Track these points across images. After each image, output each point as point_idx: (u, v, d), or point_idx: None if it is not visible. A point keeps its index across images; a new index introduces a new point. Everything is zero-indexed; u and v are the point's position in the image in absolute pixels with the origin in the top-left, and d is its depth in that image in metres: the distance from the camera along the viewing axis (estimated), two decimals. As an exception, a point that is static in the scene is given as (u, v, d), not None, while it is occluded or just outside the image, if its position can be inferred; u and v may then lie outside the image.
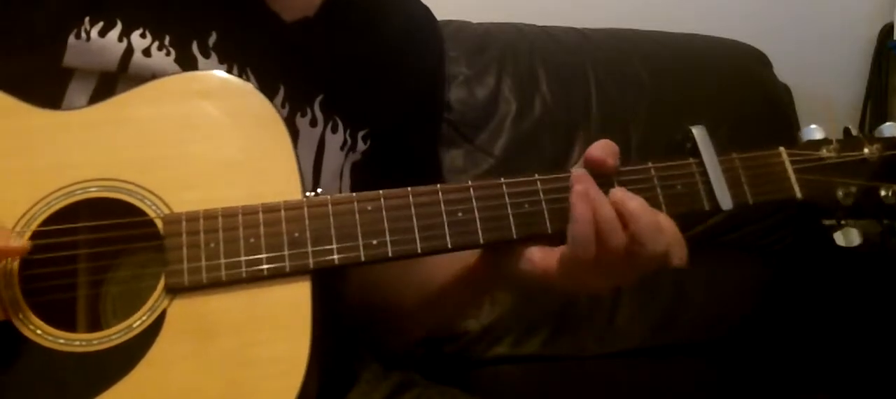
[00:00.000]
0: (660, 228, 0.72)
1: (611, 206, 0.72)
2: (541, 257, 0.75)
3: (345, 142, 0.90)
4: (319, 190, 0.77)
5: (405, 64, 0.96)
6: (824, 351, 1.60)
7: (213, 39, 0.85)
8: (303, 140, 0.87)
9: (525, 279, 0.77)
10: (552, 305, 1.57)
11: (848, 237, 0.81)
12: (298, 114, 0.87)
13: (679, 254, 0.73)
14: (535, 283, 0.77)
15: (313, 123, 0.88)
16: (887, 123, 0.83)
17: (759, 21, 1.95)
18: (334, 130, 0.90)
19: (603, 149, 0.76)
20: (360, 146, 0.92)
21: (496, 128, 1.64)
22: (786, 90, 1.82)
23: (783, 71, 1.82)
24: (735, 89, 1.73)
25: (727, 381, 1.52)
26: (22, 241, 0.70)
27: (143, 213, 0.73)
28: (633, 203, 0.72)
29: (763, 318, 1.68)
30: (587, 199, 0.72)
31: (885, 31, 1.99)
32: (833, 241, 0.82)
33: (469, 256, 0.82)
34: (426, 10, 1.05)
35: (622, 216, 0.72)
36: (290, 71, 0.87)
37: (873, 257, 1.62)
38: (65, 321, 0.73)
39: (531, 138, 1.63)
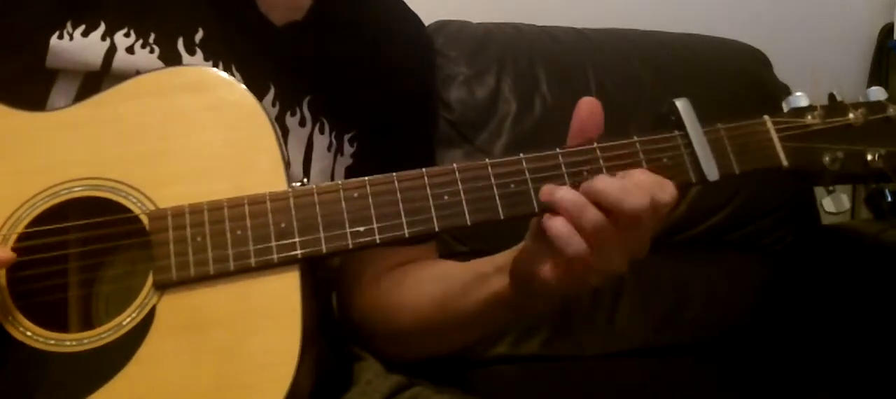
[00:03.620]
0: (634, 185, 0.72)
1: (569, 189, 0.72)
2: (552, 269, 0.74)
3: (331, 144, 0.90)
4: (305, 180, 0.76)
5: (392, 68, 0.96)
6: (824, 351, 1.60)
7: (199, 36, 0.85)
8: (292, 139, 0.87)
9: (547, 293, 0.76)
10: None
11: (837, 203, 0.82)
12: (288, 113, 0.88)
13: (666, 194, 0.73)
14: (557, 294, 0.77)
15: (302, 123, 0.89)
16: (872, 88, 0.83)
17: (759, 21, 1.95)
18: (321, 131, 0.90)
19: (590, 107, 0.77)
20: (348, 149, 0.92)
21: (496, 128, 1.64)
22: (786, 90, 1.82)
23: (783, 71, 1.82)
24: (735, 89, 1.73)
25: (727, 381, 1.52)
26: (6, 252, 0.70)
27: (128, 211, 0.73)
28: (597, 182, 0.72)
29: (763, 318, 1.67)
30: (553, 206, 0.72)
31: (885, 31, 1.99)
32: (822, 207, 0.82)
33: (494, 281, 0.82)
34: (414, 16, 1.05)
35: (592, 197, 0.72)
36: (279, 71, 0.87)
37: (872, 256, 1.62)
38: (57, 322, 0.73)
39: (531, 138, 1.63)
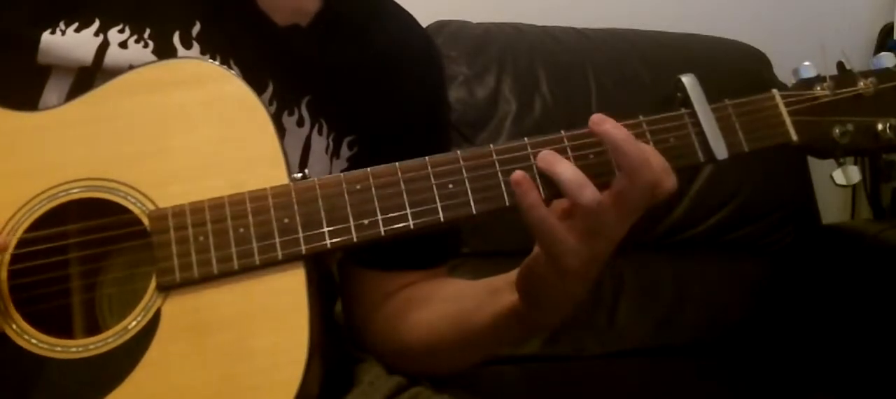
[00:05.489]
0: (646, 161, 0.70)
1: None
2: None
3: (328, 146, 0.90)
4: (306, 171, 0.75)
5: (399, 77, 0.94)
6: (824, 351, 1.60)
7: (196, 30, 0.84)
8: (289, 139, 0.86)
9: (552, 295, 0.76)
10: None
11: (848, 175, 0.79)
12: (285, 112, 0.87)
13: (668, 183, 0.72)
14: (560, 296, 0.76)
15: (300, 123, 0.88)
16: (882, 54, 0.81)
17: (759, 21, 1.95)
18: (320, 133, 0.89)
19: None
20: (345, 152, 0.91)
21: (496, 128, 1.64)
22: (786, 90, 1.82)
23: (783, 71, 1.82)
24: (735, 89, 1.72)
25: (727, 381, 1.52)
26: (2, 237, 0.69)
27: (128, 212, 0.72)
28: (619, 133, 0.71)
29: (763, 318, 1.67)
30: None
31: (885, 32, 1.98)
32: (832, 179, 0.80)
33: (506, 295, 0.81)
34: (428, 36, 1.05)
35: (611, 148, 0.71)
36: (278, 69, 0.86)
37: (872, 256, 1.62)
38: (62, 328, 0.72)
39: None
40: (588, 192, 0.70)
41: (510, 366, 1.52)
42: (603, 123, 0.72)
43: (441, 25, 1.69)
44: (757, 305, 1.69)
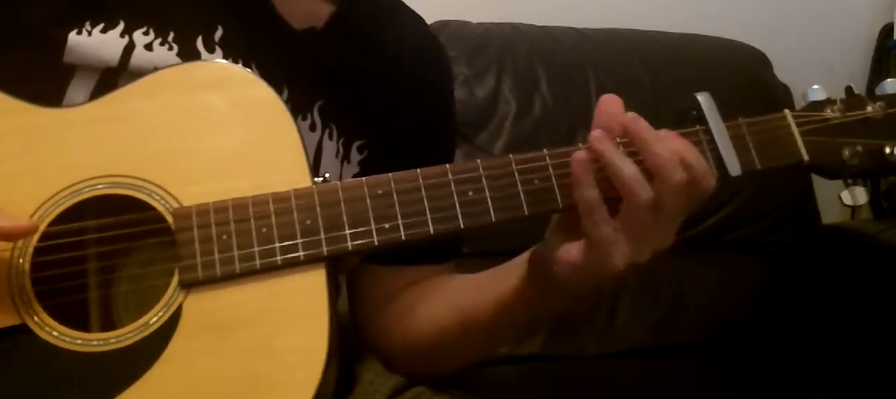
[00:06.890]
0: (677, 161, 0.71)
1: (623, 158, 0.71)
2: (566, 251, 0.73)
3: (338, 150, 0.90)
4: (327, 175, 0.76)
5: (409, 83, 0.95)
6: (824, 351, 1.61)
7: (219, 34, 0.85)
8: None
9: (563, 283, 0.76)
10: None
11: (855, 196, 0.81)
12: (299, 116, 0.87)
13: (706, 183, 0.72)
14: (572, 285, 0.76)
15: (312, 128, 0.88)
16: (888, 80, 0.83)
17: (759, 21, 1.95)
18: (330, 137, 0.90)
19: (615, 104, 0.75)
20: (355, 157, 0.92)
21: (496, 128, 1.64)
22: (786, 90, 1.82)
23: (783, 71, 1.83)
24: (735, 89, 1.72)
25: (727, 381, 1.52)
26: (30, 221, 0.70)
27: (151, 209, 0.73)
28: (649, 133, 0.71)
29: (763, 318, 1.68)
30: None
31: (885, 32, 1.99)
32: (840, 199, 0.82)
33: (512, 277, 0.81)
34: (439, 42, 1.05)
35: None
36: (293, 73, 0.87)
37: (872, 256, 1.62)
38: (77, 322, 0.72)
39: (531, 138, 1.63)
40: (645, 189, 0.70)
41: (510, 366, 1.52)
42: (627, 119, 0.73)
43: (441, 25, 1.69)
44: (757, 305, 1.69)
